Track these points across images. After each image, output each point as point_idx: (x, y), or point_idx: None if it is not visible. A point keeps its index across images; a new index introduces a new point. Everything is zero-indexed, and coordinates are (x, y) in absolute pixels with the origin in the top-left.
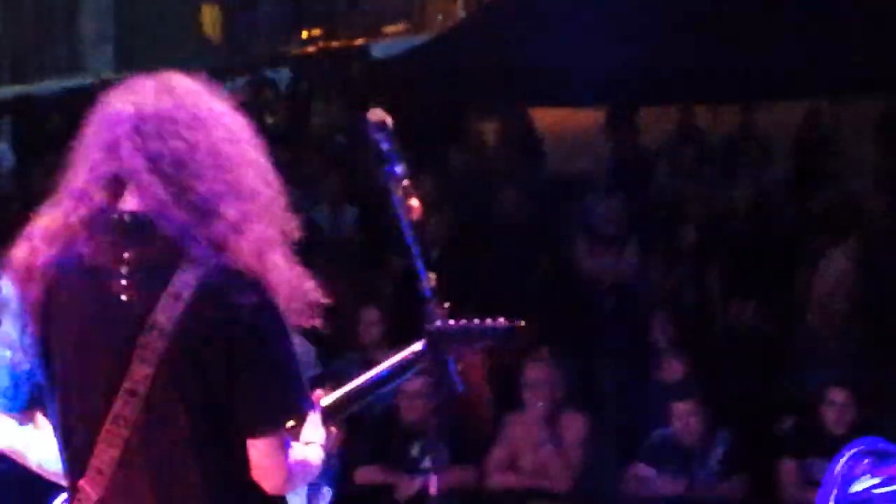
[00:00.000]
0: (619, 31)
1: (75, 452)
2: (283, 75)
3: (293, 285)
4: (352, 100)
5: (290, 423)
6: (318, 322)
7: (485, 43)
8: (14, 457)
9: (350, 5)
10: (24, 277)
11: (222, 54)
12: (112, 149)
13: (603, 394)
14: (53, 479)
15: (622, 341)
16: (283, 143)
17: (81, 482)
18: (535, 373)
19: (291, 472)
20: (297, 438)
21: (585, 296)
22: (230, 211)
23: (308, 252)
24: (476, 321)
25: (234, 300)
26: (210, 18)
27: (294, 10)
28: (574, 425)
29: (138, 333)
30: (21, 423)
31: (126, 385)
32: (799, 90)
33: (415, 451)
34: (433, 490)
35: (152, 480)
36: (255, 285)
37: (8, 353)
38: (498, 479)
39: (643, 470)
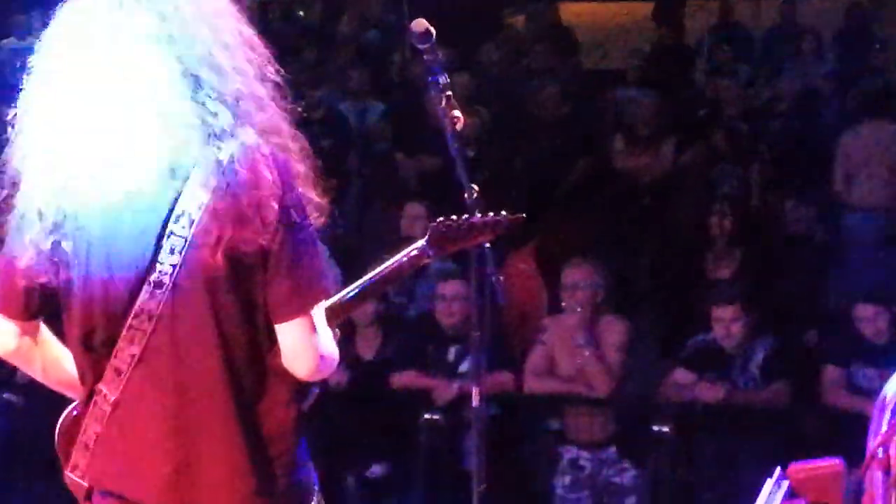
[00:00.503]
0: None
1: (93, 354)
2: None
3: (303, 169)
4: None
5: (320, 304)
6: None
7: None
8: (18, 362)
9: None
10: (46, 179)
11: None
12: (103, 37)
13: (642, 296)
14: (56, 387)
15: (659, 241)
16: (315, 38)
17: (99, 384)
18: (575, 275)
19: (322, 357)
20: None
21: (622, 195)
22: (245, 97)
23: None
24: (477, 216)
25: (259, 185)
26: None
27: None
28: (613, 329)
29: (166, 223)
30: (24, 332)
31: (152, 276)
32: None
33: (451, 355)
34: (476, 401)
35: (173, 376)
36: (278, 168)
37: (23, 259)
38: (536, 384)
39: (683, 375)
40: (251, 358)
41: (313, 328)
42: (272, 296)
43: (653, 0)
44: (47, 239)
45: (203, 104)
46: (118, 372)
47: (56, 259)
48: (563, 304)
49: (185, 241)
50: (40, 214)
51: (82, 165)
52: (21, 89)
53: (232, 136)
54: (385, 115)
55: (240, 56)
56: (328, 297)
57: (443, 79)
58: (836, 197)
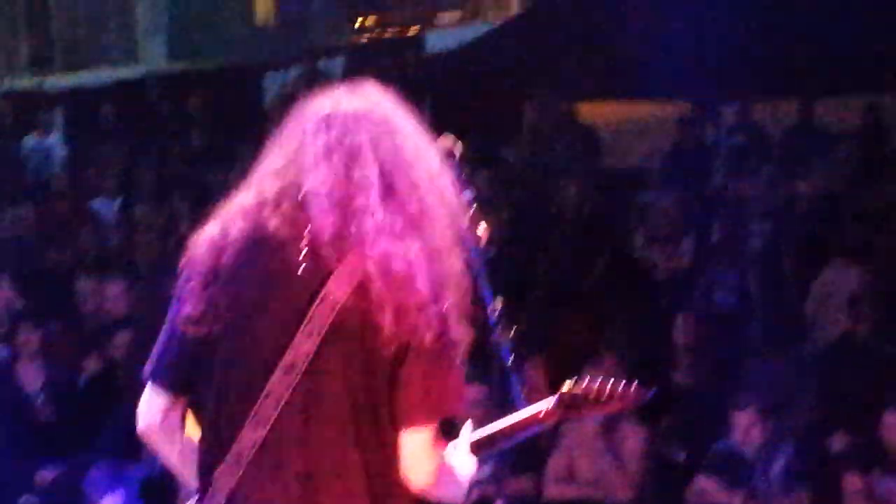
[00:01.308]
0: (676, 21)
1: (218, 435)
2: (337, 65)
3: (459, 288)
4: (406, 91)
5: (445, 418)
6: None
7: (541, 36)
8: (157, 441)
9: None
10: (214, 253)
11: (276, 44)
12: (297, 139)
13: (663, 398)
14: (187, 475)
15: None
16: None
17: (217, 472)
18: None
19: (439, 474)
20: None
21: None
22: (412, 206)
23: None
24: (608, 385)
25: (409, 289)
26: (263, 7)
27: None
28: (633, 436)
29: (309, 306)
30: (172, 408)
31: (287, 358)
32: (860, 84)
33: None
34: None
35: (295, 463)
36: (428, 280)
37: (183, 324)
38: (556, 490)
39: (704, 482)
40: (379, 455)
41: (435, 441)
42: (400, 400)
43: (672, 101)
44: (213, 293)
45: (392, 207)
46: (238, 459)
47: (214, 318)
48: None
49: (325, 327)
50: (210, 266)
51: (239, 238)
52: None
53: (398, 238)
54: None
55: (433, 182)
56: (457, 413)
57: (468, 194)
58: None
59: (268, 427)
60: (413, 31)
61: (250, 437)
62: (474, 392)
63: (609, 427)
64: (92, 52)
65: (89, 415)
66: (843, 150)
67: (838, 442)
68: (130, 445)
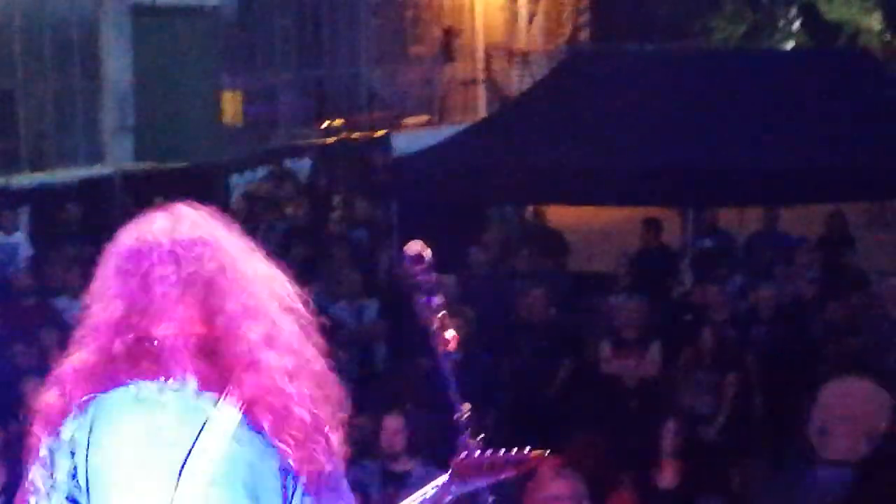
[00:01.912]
0: (642, 130)
1: None
2: (304, 166)
3: (314, 410)
4: (373, 193)
5: None
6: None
7: (508, 140)
8: None
9: (371, 96)
10: (56, 421)
11: (243, 144)
12: (138, 278)
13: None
14: None
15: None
16: (303, 236)
17: None
18: (559, 487)
19: None
20: None
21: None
22: (252, 333)
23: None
24: (501, 452)
25: (284, 429)
26: (230, 108)
27: (315, 100)
28: None
29: (186, 459)
30: None
31: None
32: (824, 193)
33: None
34: None
35: None
36: (301, 415)
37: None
38: None
39: None
40: None
41: None
42: None
43: (639, 206)
44: (69, 472)
45: (251, 330)
46: None
47: (76, 494)
48: None
49: (207, 478)
50: (64, 444)
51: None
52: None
53: (272, 373)
54: (379, 313)
55: (272, 305)
56: None
57: (436, 300)
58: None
59: None
60: (380, 133)
61: None
62: None
63: None
64: (58, 152)
65: None
66: (806, 257)
67: None
68: None
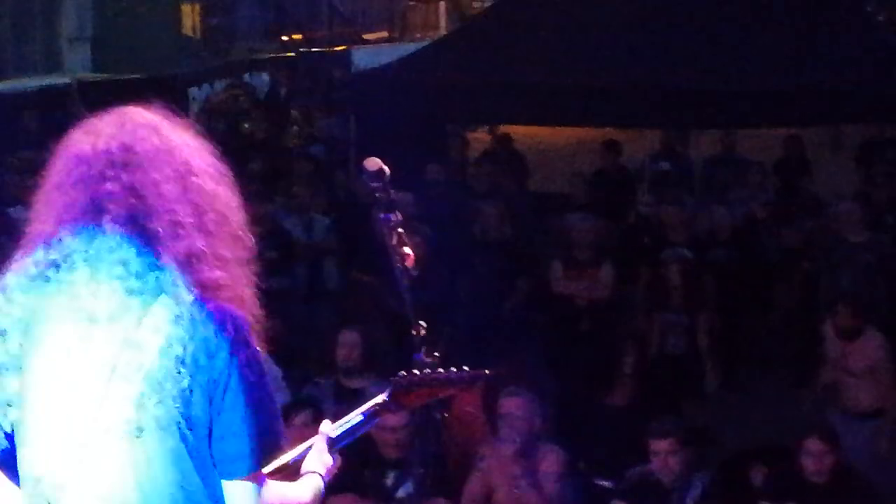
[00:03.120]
0: (603, 50)
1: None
2: (263, 80)
3: (255, 312)
4: (331, 108)
5: (266, 468)
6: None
7: (469, 58)
8: None
9: (331, 11)
10: (1, 328)
11: (202, 57)
12: (83, 186)
13: (579, 424)
14: None
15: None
16: (259, 151)
17: None
18: (511, 405)
19: None
20: (296, 472)
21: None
22: (201, 241)
23: (282, 263)
24: (441, 371)
25: (212, 337)
26: (189, 20)
27: (274, 14)
28: (550, 458)
29: (117, 363)
30: None
31: (102, 418)
32: (781, 117)
33: (389, 480)
34: None
35: None
36: (233, 325)
37: None
38: None
39: None
40: None
41: (257, 488)
42: (221, 453)
43: (599, 126)
44: (6, 380)
45: (153, 258)
46: None
47: (13, 402)
48: (500, 433)
49: (136, 388)
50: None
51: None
52: None
53: (186, 290)
54: (330, 229)
55: (208, 215)
56: (280, 455)
57: (394, 216)
58: None
59: (90, 491)
60: (340, 48)
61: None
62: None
63: (526, 450)
64: (16, 61)
65: None
66: (760, 179)
67: (756, 472)
68: None
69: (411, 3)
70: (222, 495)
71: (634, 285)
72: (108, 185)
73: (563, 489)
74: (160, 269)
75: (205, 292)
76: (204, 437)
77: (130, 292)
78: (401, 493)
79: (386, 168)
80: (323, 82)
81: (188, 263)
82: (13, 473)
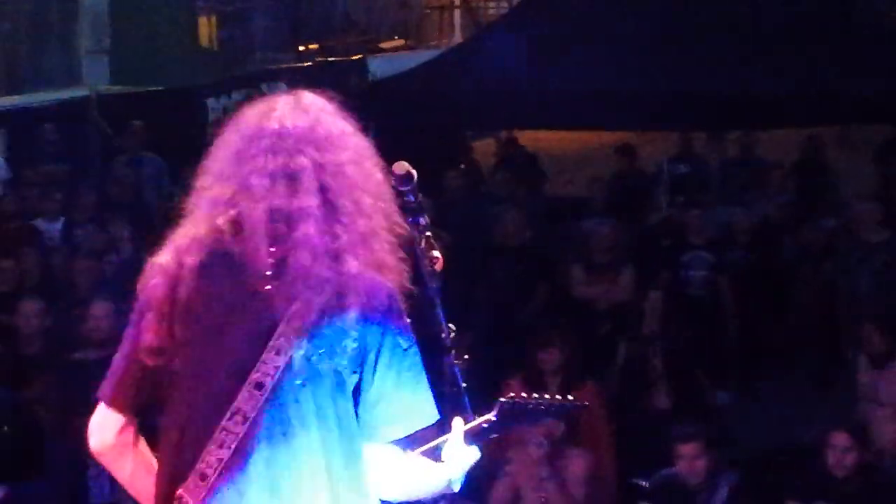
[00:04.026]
0: (618, 54)
1: (182, 456)
2: (280, 90)
3: (406, 290)
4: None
5: (416, 429)
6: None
7: (485, 64)
8: (109, 460)
9: (346, 20)
10: (171, 282)
11: (218, 68)
12: (274, 156)
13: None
14: (139, 495)
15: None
16: None
17: (180, 490)
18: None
19: (408, 484)
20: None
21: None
22: (357, 225)
23: None
24: (546, 398)
25: (371, 306)
26: (206, 31)
27: (290, 24)
28: (576, 462)
29: (274, 326)
30: (125, 430)
31: (254, 377)
32: (800, 118)
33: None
34: None
35: (262, 485)
36: (388, 295)
37: (143, 351)
38: None
39: None
40: (346, 468)
41: (401, 454)
42: (371, 416)
43: (615, 130)
44: (171, 324)
45: (336, 228)
46: (203, 477)
47: (172, 349)
48: (526, 438)
49: (291, 348)
50: (168, 299)
51: (209, 257)
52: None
53: (352, 259)
54: None
55: (378, 201)
56: (427, 423)
57: (423, 220)
58: None
59: (233, 446)
60: (356, 57)
61: (215, 455)
62: None
63: (553, 453)
64: (34, 74)
65: (32, 438)
66: (779, 181)
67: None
68: (75, 470)
69: (426, 11)
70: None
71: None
72: (303, 159)
73: (591, 493)
74: (327, 239)
75: (370, 267)
76: (355, 399)
77: (296, 256)
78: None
79: (414, 172)
80: (340, 91)
81: (364, 241)
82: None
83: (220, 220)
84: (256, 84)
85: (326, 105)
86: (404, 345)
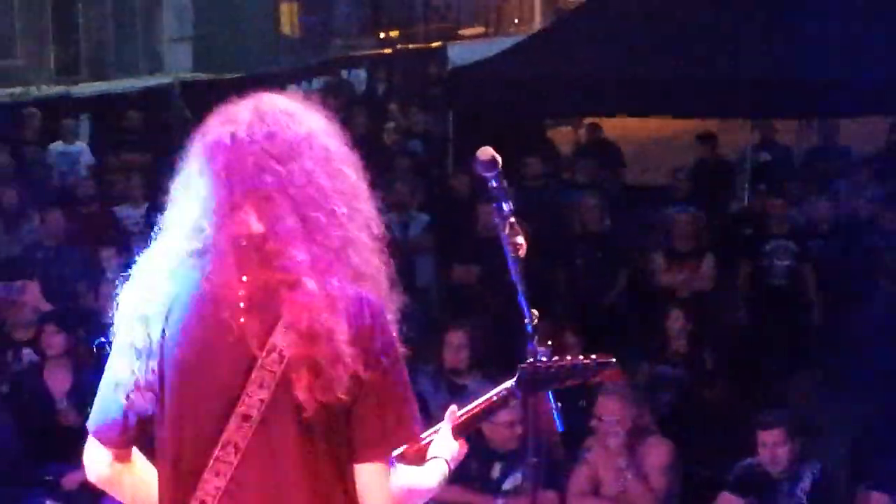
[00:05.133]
0: (701, 41)
1: (180, 484)
2: (360, 77)
3: (390, 300)
4: (428, 104)
5: (399, 450)
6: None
7: (565, 51)
8: (108, 488)
9: (426, 7)
10: (144, 316)
11: (299, 55)
12: (238, 176)
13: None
14: None
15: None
16: (358, 147)
17: None
18: (609, 407)
19: (395, 499)
20: (423, 458)
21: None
22: (331, 239)
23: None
24: (568, 358)
25: (353, 325)
26: (287, 18)
27: (371, 11)
28: (657, 451)
29: (256, 357)
30: (118, 459)
31: (240, 409)
32: (885, 105)
33: (496, 471)
34: None
35: None
36: (371, 312)
37: (122, 389)
38: None
39: (729, 499)
40: (336, 495)
41: (387, 472)
42: (356, 436)
43: (697, 118)
44: (146, 365)
45: (324, 229)
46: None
47: (152, 386)
48: (603, 428)
49: (275, 376)
50: (140, 340)
51: (180, 291)
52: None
53: (329, 276)
54: (427, 226)
55: (352, 204)
56: (415, 441)
57: (507, 206)
58: None
59: (229, 476)
60: (436, 44)
61: (212, 483)
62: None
63: (632, 441)
64: (118, 61)
65: None
66: (866, 174)
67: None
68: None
69: None
70: (352, 478)
71: (734, 277)
72: (268, 178)
73: (671, 482)
74: (295, 262)
75: (351, 280)
76: (342, 420)
77: (263, 293)
78: (507, 485)
79: (498, 157)
80: (420, 78)
81: (342, 251)
82: (148, 454)
83: (188, 248)
84: (337, 71)
85: (289, 105)
86: (385, 362)
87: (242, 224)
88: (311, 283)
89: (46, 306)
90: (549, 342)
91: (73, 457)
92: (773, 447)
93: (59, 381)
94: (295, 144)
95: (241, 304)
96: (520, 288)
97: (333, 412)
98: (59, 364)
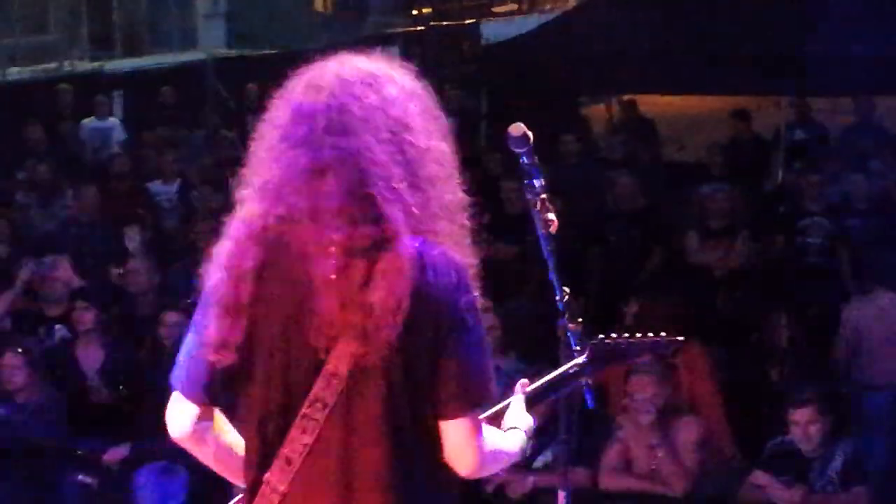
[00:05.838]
0: (735, 18)
1: (265, 442)
2: (394, 53)
3: (473, 260)
4: (462, 81)
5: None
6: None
7: (598, 28)
8: (191, 446)
9: None
10: (234, 276)
11: (333, 32)
12: (305, 148)
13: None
14: (225, 473)
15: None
16: None
17: (267, 475)
18: (641, 385)
19: (485, 457)
20: (499, 423)
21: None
22: (419, 198)
23: None
24: (638, 336)
25: (440, 284)
26: None
27: None
28: (689, 428)
29: (344, 315)
30: (202, 416)
31: (328, 367)
32: None
33: (527, 449)
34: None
35: (341, 466)
36: (456, 271)
37: (210, 347)
38: (611, 481)
39: (760, 477)
40: (420, 453)
41: (477, 429)
42: (440, 393)
43: (731, 94)
44: (235, 324)
45: (403, 195)
46: (289, 461)
47: (240, 344)
48: (635, 405)
49: (365, 332)
50: (230, 299)
51: (269, 253)
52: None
53: (420, 233)
54: None
55: (434, 165)
56: (494, 400)
57: (539, 182)
58: None
59: (316, 433)
60: (469, 21)
61: (299, 441)
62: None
63: (664, 419)
64: (151, 37)
65: (146, 398)
66: None
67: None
68: None
69: None
70: (436, 438)
71: (770, 254)
72: (327, 153)
73: (702, 459)
74: (381, 225)
75: (427, 242)
76: (424, 378)
77: (352, 252)
78: (539, 462)
79: (529, 133)
80: (453, 55)
81: (409, 218)
82: (228, 414)
83: (274, 213)
84: (371, 48)
85: (371, 72)
86: (469, 320)
87: (329, 187)
88: (399, 243)
89: (78, 282)
90: (580, 320)
91: (104, 432)
92: (804, 425)
93: (90, 357)
94: (365, 115)
95: (332, 263)
96: (551, 265)
97: (417, 368)
98: (90, 340)
